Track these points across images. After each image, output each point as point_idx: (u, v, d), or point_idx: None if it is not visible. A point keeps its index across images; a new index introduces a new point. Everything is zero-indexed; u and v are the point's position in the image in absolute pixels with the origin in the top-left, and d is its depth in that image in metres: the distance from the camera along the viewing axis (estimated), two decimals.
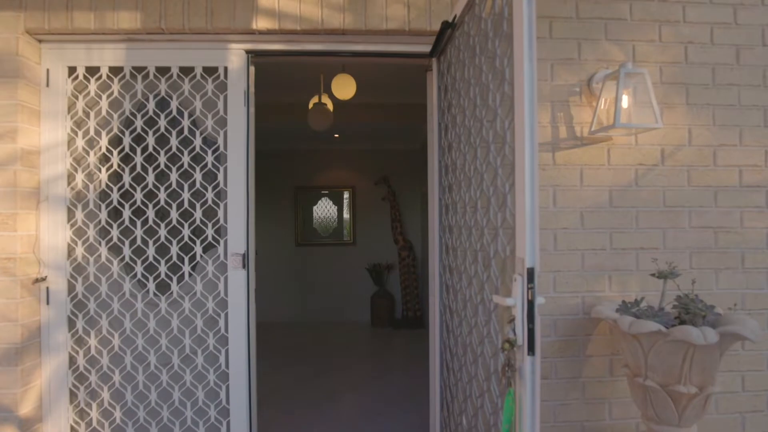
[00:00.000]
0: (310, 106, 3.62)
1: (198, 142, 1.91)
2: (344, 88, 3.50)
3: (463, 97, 1.50)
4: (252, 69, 2.02)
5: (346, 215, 6.17)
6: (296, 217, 6.10)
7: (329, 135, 5.55)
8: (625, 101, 1.71)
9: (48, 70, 1.89)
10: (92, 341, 1.91)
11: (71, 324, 1.90)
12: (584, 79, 1.86)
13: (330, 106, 3.71)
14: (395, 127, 5.13)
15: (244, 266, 1.89)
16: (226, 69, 1.91)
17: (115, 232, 1.91)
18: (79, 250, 1.90)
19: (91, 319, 1.91)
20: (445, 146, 1.80)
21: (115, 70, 1.92)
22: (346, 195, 6.15)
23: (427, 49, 1.88)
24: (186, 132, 1.92)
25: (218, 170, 1.91)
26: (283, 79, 4.11)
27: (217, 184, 1.91)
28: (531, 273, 0.94)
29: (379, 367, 4.01)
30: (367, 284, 5.98)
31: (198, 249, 1.91)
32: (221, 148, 1.91)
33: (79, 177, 1.90)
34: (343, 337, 5.21)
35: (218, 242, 1.91)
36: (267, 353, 4.43)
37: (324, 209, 6.17)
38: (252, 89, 2.01)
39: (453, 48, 1.62)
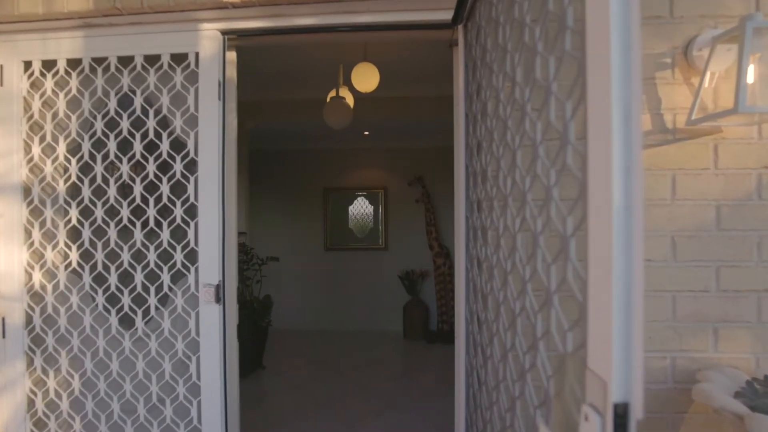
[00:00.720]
0: (328, 100, 3.23)
1: (165, 146, 1.56)
2: (366, 78, 3.06)
3: (496, 73, 1.01)
4: (232, 55, 1.64)
5: (378, 217, 5.76)
6: (325, 219, 5.77)
7: (358, 133, 5.16)
8: (751, 73, 1.13)
9: (2, 66, 1.61)
10: (51, 382, 1.63)
11: (29, 361, 1.63)
12: (679, 45, 1.29)
13: (350, 100, 3.30)
14: (428, 122, 4.63)
15: (218, 300, 1.51)
16: (197, 55, 1.54)
17: (74, 255, 1.61)
18: (37, 276, 1.62)
19: (50, 357, 1.63)
20: (473, 145, 1.31)
21: (74, 64, 1.61)
22: (378, 196, 5.73)
23: (450, 15, 1.39)
24: (151, 134, 1.57)
25: (188, 180, 1.55)
26: (304, 73, 3.76)
27: (188, 198, 1.55)
28: (623, 416, 0.45)
29: (410, 389, 3.55)
30: (400, 292, 5.54)
31: (165, 277, 1.56)
32: (191, 153, 1.55)
33: (36, 190, 1.62)
34: (372, 349, 4.81)
35: (188, 270, 1.55)
36: (287, 366, 4.13)
37: (360, 209, 5.78)
38: (233, 78, 1.64)
39: (483, 5, 1.13)
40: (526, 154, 0.81)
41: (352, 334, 5.42)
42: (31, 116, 1.62)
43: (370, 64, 3.04)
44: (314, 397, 3.38)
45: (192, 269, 1.54)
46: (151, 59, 1.58)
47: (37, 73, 1.62)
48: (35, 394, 1.63)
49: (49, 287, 1.61)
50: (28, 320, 1.62)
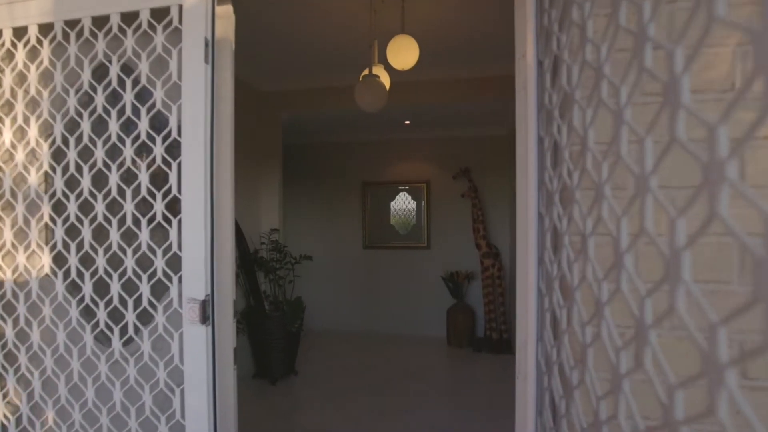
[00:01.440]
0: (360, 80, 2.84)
1: (144, 124, 1.25)
2: (403, 53, 2.66)
3: None
4: (226, 9, 1.30)
5: (421, 214, 5.32)
6: (364, 216, 5.42)
7: (398, 122, 4.75)
8: None
9: None
10: (24, 408, 1.39)
11: (2, 383, 1.40)
12: None
13: (386, 79, 2.89)
14: (476, 108, 4.13)
15: (204, 320, 1.18)
16: (180, 8, 1.22)
17: (46, 259, 1.35)
18: (9, 283, 1.39)
19: (23, 378, 1.39)
20: (551, 105, 0.86)
21: (45, 30, 1.35)
22: (421, 191, 5.30)
23: None
24: (129, 110, 1.27)
25: (170, 167, 1.23)
26: (338, 59, 3.42)
27: (169, 189, 1.23)
28: None
29: (455, 409, 3.11)
30: (443, 295, 5.08)
31: (144, 288, 1.26)
32: (174, 133, 1.23)
33: (8, 182, 1.38)
34: (413, 358, 4.40)
35: (171, 280, 1.24)
36: (321, 373, 3.84)
37: (402, 204, 5.37)
38: (228, 38, 1.30)
39: None
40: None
41: (392, 339, 5.05)
42: (2, 94, 1.38)
43: (407, 36, 2.62)
44: (346, 412, 3.04)
45: (175, 279, 1.22)
46: (129, 18, 1.27)
47: (8, 44, 1.37)
48: (8, 420, 1.40)
49: (21, 296, 1.37)
50: (1, 334, 1.39)
